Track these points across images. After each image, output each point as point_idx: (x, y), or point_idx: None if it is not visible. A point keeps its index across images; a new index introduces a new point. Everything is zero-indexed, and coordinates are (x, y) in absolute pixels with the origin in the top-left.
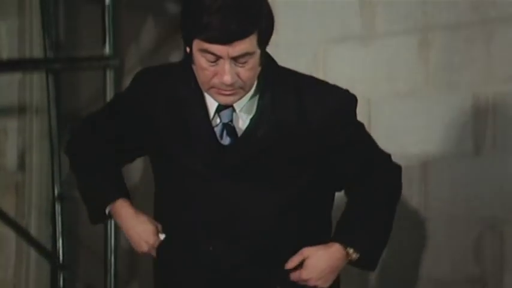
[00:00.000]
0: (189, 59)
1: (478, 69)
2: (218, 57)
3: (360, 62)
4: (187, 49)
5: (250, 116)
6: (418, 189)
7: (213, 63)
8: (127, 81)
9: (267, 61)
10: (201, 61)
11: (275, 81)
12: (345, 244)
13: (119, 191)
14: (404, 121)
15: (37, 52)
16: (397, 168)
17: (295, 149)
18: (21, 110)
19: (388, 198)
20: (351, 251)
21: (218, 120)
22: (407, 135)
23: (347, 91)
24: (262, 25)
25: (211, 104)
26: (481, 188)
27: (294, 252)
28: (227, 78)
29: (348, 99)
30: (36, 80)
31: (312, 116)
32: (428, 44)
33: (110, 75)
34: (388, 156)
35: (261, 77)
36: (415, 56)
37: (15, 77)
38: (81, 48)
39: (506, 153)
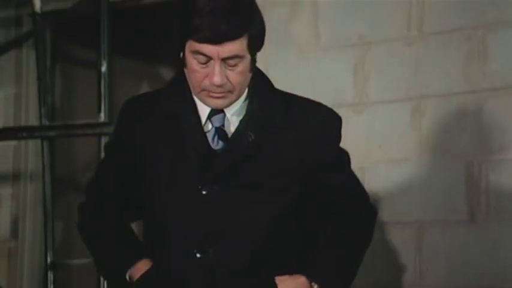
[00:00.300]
0: (179, 71)
1: (470, 137)
2: (209, 59)
3: (353, 130)
4: (181, 54)
5: (240, 118)
6: (413, 257)
7: (203, 65)
8: None
9: (258, 73)
10: (192, 63)
11: (265, 88)
12: (311, 279)
13: (135, 254)
14: (398, 189)
15: (33, 119)
16: (374, 212)
17: (283, 155)
18: (15, 176)
19: (360, 241)
20: (315, 286)
21: (210, 126)
22: (401, 203)
23: (333, 110)
24: (253, 30)
25: (203, 111)
26: (476, 256)
27: (283, 263)
28: (217, 79)
29: (334, 116)
30: (31, 146)
31: (299, 123)
32: (421, 112)
33: (104, 142)
34: (367, 197)
35: (251, 85)
36: (408, 124)
37: (10, 143)
38: (77, 114)
39: (501, 221)
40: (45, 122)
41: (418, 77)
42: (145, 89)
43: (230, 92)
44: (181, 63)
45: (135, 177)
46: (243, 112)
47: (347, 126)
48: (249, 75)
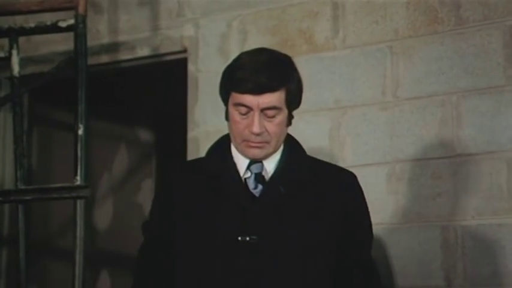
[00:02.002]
0: (224, 139)
1: (445, 202)
2: (249, 110)
3: None
4: (225, 107)
5: (275, 168)
6: None
7: (244, 116)
8: (98, 211)
9: (292, 137)
10: (234, 114)
11: (296, 146)
12: None
13: None
14: (375, 253)
15: (8, 183)
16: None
17: (313, 207)
18: None
19: None
20: None
21: (249, 173)
22: (379, 267)
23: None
24: (291, 85)
25: (242, 165)
26: None
27: None
28: (256, 128)
29: (355, 176)
30: (7, 210)
31: (324, 181)
32: (397, 176)
33: (80, 205)
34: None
35: (286, 143)
36: (383, 188)
37: None
38: (54, 177)
39: (477, 286)
40: (21, 186)
41: (394, 142)
42: (122, 151)
43: (267, 142)
44: (226, 117)
45: (177, 236)
46: (278, 165)
47: None
48: (285, 129)
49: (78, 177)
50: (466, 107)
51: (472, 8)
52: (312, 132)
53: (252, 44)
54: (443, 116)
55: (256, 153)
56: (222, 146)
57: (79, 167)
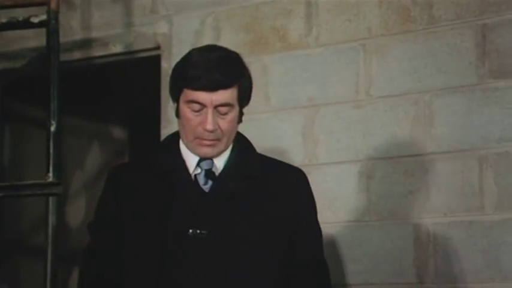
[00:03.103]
0: (173, 135)
1: (417, 199)
2: (202, 106)
3: None
4: (175, 105)
5: (224, 164)
6: None
7: (197, 113)
8: (70, 209)
9: (241, 134)
10: (186, 112)
11: (246, 143)
12: None
13: None
14: (347, 250)
15: None
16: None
17: (262, 203)
18: None
19: None
20: None
21: (199, 169)
22: (351, 265)
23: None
24: (243, 82)
25: (193, 160)
26: None
27: None
28: (209, 125)
29: (304, 174)
30: None
31: (274, 177)
32: (369, 174)
33: (52, 202)
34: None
35: (235, 139)
36: (356, 186)
37: None
38: (26, 174)
39: (448, 283)
40: None
41: (367, 140)
42: (95, 148)
43: (218, 140)
44: (176, 115)
45: (126, 234)
46: (227, 161)
47: None
48: (236, 126)
49: (51, 174)
50: (439, 106)
51: (445, 7)
52: (286, 130)
53: (226, 41)
54: (416, 114)
55: (208, 151)
56: (171, 143)
57: (51, 164)
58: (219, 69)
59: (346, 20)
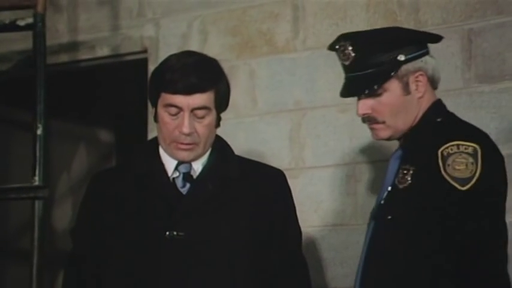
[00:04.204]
0: (152, 140)
1: None
2: (179, 110)
3: None
4: (153, 110)
5: (202, 167)
6: None
7: (174, 117)
8: (56, 212)
9: (220, 138)
10: (164, 116)
11: (224, 146)
12: None
13: None
14: (334, 254)
15: None
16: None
17: (240, 204)
18: None
19: None
20: None
21: (177, 173)
22: (338, 268)
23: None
24: (220, 87)
25: (171, 164)
26: None
27: None
28: (185, 128)
29: (283, 174)
30: None
31: (253, 178)
32: (356, 177)
33: (38, 206)
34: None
35: (214, 142)
36: (343, 189)
37: None
38: (12, 177)
39: None
40: None
41: (353, 143)
42: (82, 151)
43: (196, 144)
44: (155, 119)
45: (104, 243)
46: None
47: None
48: (214, 130)
49: (37, 178)
50: None
51: (431, 12)
52: (272, 134)
53: (213, 45)
54: None
55: (186, 155)
56: (150, 147)
57: (37, 167)
58: (196, 73)
59: (333, 23)
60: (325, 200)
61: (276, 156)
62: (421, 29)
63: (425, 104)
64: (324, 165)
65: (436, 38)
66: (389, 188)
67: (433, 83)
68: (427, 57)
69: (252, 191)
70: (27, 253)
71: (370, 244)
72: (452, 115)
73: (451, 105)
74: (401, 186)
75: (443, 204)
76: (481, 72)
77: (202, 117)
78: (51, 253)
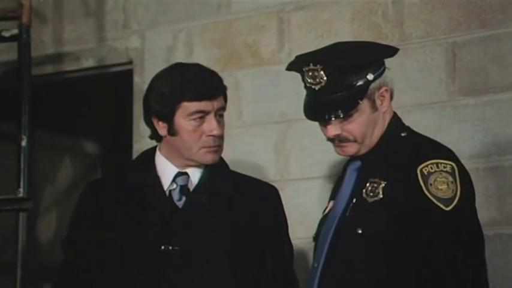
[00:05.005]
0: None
1: None
2: (204, 115)
3: None
4: (164, 130)
5: (198, 180)
6: None
7: (199, 124)
8: (41, 223)
9: None
10: (188, 125)
11: (219, 160)
12: None
13: None
14: None
15: None
16: None
17: (235, 218)
18: None
19: None
20: None
21: (175, 185)
22: None
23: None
24: (225, 92)
25: (168, 176)
26: None
27: None
28: (216, 130)
29: (276, 190)
30: None
31: (246, 193)
32: None
33: (22, 218)
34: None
35: None
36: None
37: None
38: None
39: None
40: None
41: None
42: (67, 163)
43: (220, 146)
44: (171, 133)
45: (99, 256)
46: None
47: None
48: None
49: (21, 189)
50: (409, 122)
51: (415, 25)
52: (258, 145)
53: (198, 57)
54: None
55: (215, 157)
56: (145, 160)
57: (22, 179)
58: (212, 77)
59: (318, 36)
60: (311, 212)
61: (261, 168)
62: (406, 42)
63: (388, 117)
64: (310, 177)
65: (394, 51)
66: (354, 200)
67: (392, 95)
68: (386, 71)
69: (246, 206)
70: (11, 265)
71: (331, 257)
72: (411, 129)
73: (435, 118)
74: (370, 200)
75: (428, 224)
76: (465, 85)
77: (222, 118)
78: (35, 266)
